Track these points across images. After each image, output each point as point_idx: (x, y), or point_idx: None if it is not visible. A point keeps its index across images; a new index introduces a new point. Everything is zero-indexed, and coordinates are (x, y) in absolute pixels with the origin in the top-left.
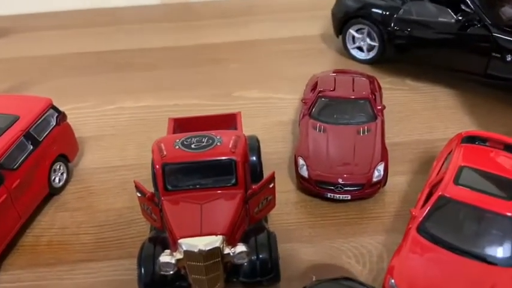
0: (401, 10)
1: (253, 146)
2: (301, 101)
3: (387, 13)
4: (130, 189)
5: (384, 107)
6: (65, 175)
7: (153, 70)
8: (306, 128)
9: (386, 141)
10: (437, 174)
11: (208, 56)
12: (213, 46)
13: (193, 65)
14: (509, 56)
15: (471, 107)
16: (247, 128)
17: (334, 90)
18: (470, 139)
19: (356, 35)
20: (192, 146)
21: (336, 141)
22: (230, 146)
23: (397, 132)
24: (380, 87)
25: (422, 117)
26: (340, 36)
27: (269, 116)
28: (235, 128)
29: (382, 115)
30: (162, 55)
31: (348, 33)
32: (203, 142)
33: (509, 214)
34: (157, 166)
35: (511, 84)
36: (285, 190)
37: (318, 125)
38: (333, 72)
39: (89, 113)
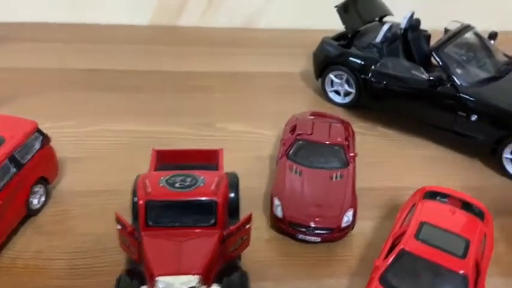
0: (379, 63)
1: (233, 183)
2: (281, 141)
3: (364, 63)
4: (108, 215)
5: (355, 155)
6: (43, 197)
7: (138, 93)
8: (283, 168)
9: (357, 185)
10: (400, 226)
11: (194, 83)
12: (199, 74)
13: (178, 90)
14: (474, 115)
15: (437, 159)
16: (227, 160)
17: (311, 134)
18: (433, 194)
19: (335, 79)
20: (176, 185)
21: (310, 185)
22: (212, 187)
23: (366, 178)
24: (353, 133)
25: (391, 164)
26: (320, 79)
27: (248, 151)
28: (217, 164)
29: (354, 162)
30: (148, 78)
31: (327, 77)
32: (187, 182)
33: (461, 272)
34: (140, 202)
35: (476, 142)
36: (258, 226)
37: (294, 167)
38: (311, 115)
39: (71, 133)
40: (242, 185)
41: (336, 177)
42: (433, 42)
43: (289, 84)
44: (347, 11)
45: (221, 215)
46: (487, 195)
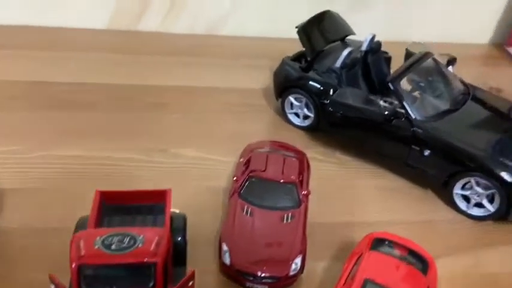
0: (336, 92)
1: (179, 226)
2: (233, 178)
3: (323, 89)
4: (49, 257)
5: (309, 193)
6: None
7: (89, 111)
8: (234, 208)
9: (310, 220)
10: (345, 281)
11: (150, 100)
12: (156, 89)
13: (132, 108)
14: (427, 150)
15: (392, 190)
16: (178, 192)
17: (265, 170)
18: (380, 241)
19: (294, 102)
20: (113, 246)
21: (260, 228)
22: (152, 247)
23: (319, 212)
24: (309, 166)
25: (345, 196)
26: (280, 99)
27: (201, 180)
28: (164, 204)
29: (307, 200)
30: (100, 93)
31: (287, 99)
32: (124, 243)
33: None
34: (73, 265)
35: (428, 175)
36: (207, 270)
37: (245, 206)
38: (267, 145)
39: (13, 159)
40: (193, 220)
41: (287, 219)
42: (393, 63)
43: (249, 103)
44: (308, 32)
45: (160, 277)
46: (438, 229)
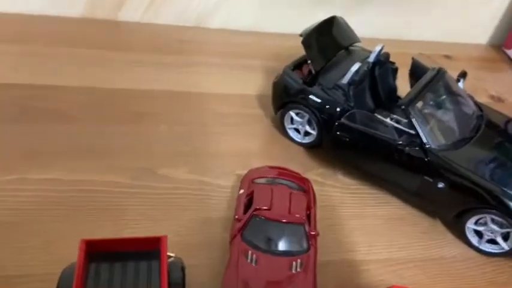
0: (346, 115)
1: (176, 280)
2: (234, 218)
3: (328, 107)
4: None
5: (317, 233)
6: None
7: (61, 122)
8: (236, 253)
9: None
10: None
11: (134, 108)
12: (141, 94)
13: (114, 119)
14: (441, 183)
15: (398, 221)
16: (168, 226)
17: (270, 209)
18: None
19: (295, 118)
20: None
21: (267, 279)
22: None
23: (323, 248)
24: (315, 197)
25: (349, 228)
26: (279, 113)
27: (196, 210)
28: (159, 250)
29: (315, 242)
30: (75, 99)
31: (287, 114)
32: None
33: None
34: None
35: (439, 208)
36: None
37: (249, 252)
38: (269, 174)
39: None
40: (189, 262)
41: (296, 267)
42: (401, 73)
43: (243, 112)
44: (314, 41)
45: None
46: (450, 267)
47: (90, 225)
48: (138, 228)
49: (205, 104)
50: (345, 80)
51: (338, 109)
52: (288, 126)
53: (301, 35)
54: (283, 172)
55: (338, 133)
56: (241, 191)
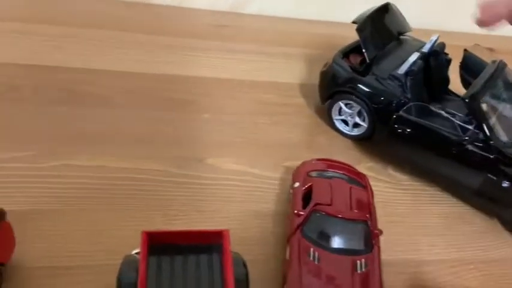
0: (404, 108)
1: (240, 276)
2: (294, 212)
3: (383, 99)
4: None
5: (381, 232)
6: None
7: (105, 107)
8: (297, 250)
9: None
10: None
11: (175, 95)
12: (181, 80)
13: (156, 105)
14: (506, 182)
15: (454, 219)
16: (218, 220)
17: (331, 204)
18: None
19: (344, 108)
20: None
21: (331, 281)
22: None
23: (381, 247)
24: (372, 193)
25: (406, 226)
26: (326, 103)
27: (245, 203)
28: (221, 245)
29: (378, 241)
30: (118, 84)
31: (336, 104)
32: None
33: None
34: None
35: (501, 209)
36: None
37: (311, 249)
38: (325, 168)
39: (17, 170)
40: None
41: (361, 267)
42: (453, 66)
43: (287, 102)
44: (368, 29)
45: None
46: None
47: (138, 215)
48: (186, 220)
49: (246, 92)
50: (402, 70)
51: (394, 101)
52: (336, 117)
53: (354, 22)
54: (339, 166)
55: (396, 126)
56: (297, 184)
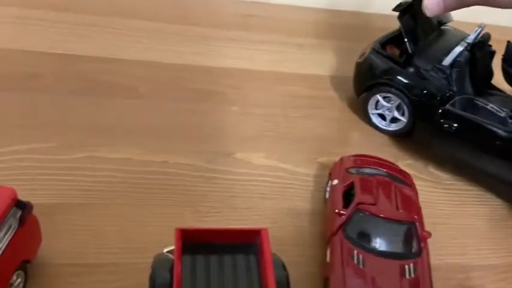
0: (451, 102)
1: (281, 278)
2: (335, 211)
3: (426, 92)
4: None
5: (429, 235)
6: (21, 284)
7: (131, 97)
8: (339, 252)
9: None
10: None
11: (202, 86)
12: (207, 70)
13: (183, 96)
14: None
15: (500, 219)
16: (253, 218)
17: (375, 204)
18: None
19: (382, 102)
20: None
21: (377, 286)
22: None
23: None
24: (417, 193)
25: (451, 228)
26: (361, 96)
27: (279, 200)
28: (258, 244)
29: (427, 244)
30: (142, 74)
31: (373, 97)
32: None
33: None
34: None
35: None
36: None
37: (355, 252)
38: (366, 164)
39: (43, 162)
40: None
41: (410, 273)
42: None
43: (318, 95)
44: (408, 19)
45: None
46: None
47: (166, 211)
48: (219, 217)
49: (274, 84)
50: (447, 61)
51: (438, 94)
52: (372, 111)
53: (395, 10)
54: (381, 163)
55: (442, 121)
56: (336, 182)
